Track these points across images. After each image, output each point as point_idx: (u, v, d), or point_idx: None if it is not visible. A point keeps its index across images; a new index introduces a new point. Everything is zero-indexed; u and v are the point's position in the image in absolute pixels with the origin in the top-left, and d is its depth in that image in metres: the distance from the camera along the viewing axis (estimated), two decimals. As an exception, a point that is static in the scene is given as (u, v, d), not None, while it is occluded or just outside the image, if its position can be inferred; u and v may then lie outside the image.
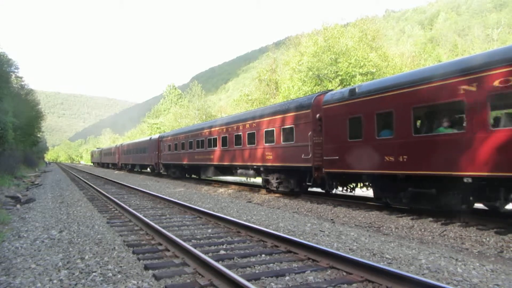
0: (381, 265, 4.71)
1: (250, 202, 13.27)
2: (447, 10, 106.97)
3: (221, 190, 17.69)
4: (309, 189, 14.37)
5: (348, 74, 27.75)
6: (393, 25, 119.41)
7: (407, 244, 6.66)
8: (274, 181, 14.42)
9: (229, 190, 17.27)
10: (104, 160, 61.15)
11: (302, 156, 12.34)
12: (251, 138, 15.70)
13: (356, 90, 10.39)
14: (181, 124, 49.43)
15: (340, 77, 27.89)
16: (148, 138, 35.48)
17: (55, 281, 4.55)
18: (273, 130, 14.17)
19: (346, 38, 30.05)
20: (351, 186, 11.92)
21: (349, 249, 6.14)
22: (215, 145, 19.21)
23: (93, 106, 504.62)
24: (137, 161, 37.79)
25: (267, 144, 14.50)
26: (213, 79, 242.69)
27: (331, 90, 13.50)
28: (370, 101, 9.85)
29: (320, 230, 7.69)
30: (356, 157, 10.28)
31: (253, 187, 17.72)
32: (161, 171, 29.70)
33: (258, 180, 20.75)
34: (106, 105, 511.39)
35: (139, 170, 39.60)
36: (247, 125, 16.08)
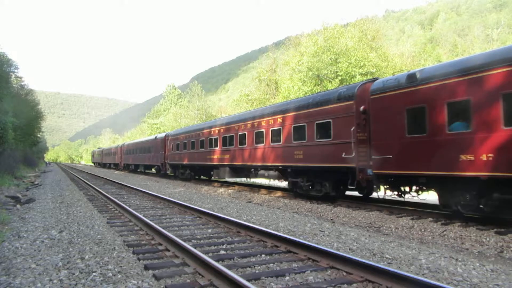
0: (381, 265, 4.71)
1: (250, 202, 13.27)
2: (447, 10, 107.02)
3: (221, 190, 17.69)
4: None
5: (348, 74, 27.74)
6: (393, 25, 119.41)
7: (407, 244, 6.66)
8: (304, 184, 12.80)
9: (229, 190, 17.27)
10: (105, 160, 59.82)
11: (343, 155, 10.68)
12: (276, 135, 14.03)
13: (417, 75, 8.85)
14: (181, 124, 49.32)
15: (340, 77, 27.89)
16: (153, 137, 33.68)
17: (55, 281, 4.55)
18: (303, 126, 12.47)
19: (346, 38, 30.04)
20: (403, 190, 9.91)
21: (349, 249, 6.14)
22: (231, 144, 17.49)
23: (93, 106, 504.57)
24: (141, 161, 36.21)
25: (296, 142, 12.81)
26: (213, 79, 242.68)
27: (377, 78, 11.54)
28: (438, 88, 8.27)
29: (320, 230, 7.69)
30: (417, 155, 8.71)
31: (253, 187, 17.73)
32: (168, 172, 28.34)
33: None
34: (106, 105, 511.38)
35: (143, 170, 38.27)
36: (271, 121, 14.35)
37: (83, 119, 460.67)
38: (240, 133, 16.65)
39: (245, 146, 16.17)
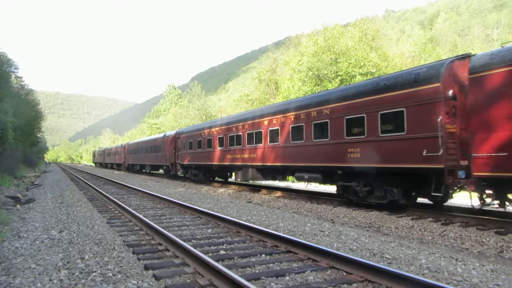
0: (381, 265, 4.71)
1: (250, 202, 13.27)
2: (447, 10, 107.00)
3: (221, 190, 17.69)
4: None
5: (348, 74, 27.75)
6: (393, 25, 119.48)
7: (407, 244, 6.66)
8: (360, 189, 10.63)
9: (229, 190, 17.28)
10: (107, 160, 57.72)
11: (424, 153, 8.58)
12: (320, 130, 11.86)
13: None
14: (181, 125, 49.28)
15: (340, 77, 27.90)
16: (161, 135, 31.25)
17: (55, 281, 4.55)
18: (362, 118, 10.22)
19: (346, 38, 30.05)
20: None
21: (349, 249, 6.14)
22: (258, 141, 15.24)
23: (93, 106, 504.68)
24: (147, 161, 33.98)
25: (350, 138, 10.62)
26: (213, 79, 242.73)
27: (469, 54, 8.91)
28: None
29: (320, 230, 7.69)
30: None
31: (253, 187, 17.72)
32: (179, 173, 26.30)
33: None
34: (106, 105, 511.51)
35: (149, 171, 36.34)
36: (313, 114, 12.13)
37: (83, 119, 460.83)
38: (271, 128, 14.46)
39: (278, 143, 14.00)
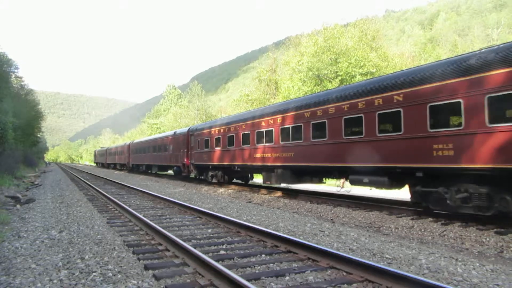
0: (381, 265, 4.71)
1: (250, 202, 13.27)
2: (447, 10, 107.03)
3: (221, 190, 17.68)
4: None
5: (348, 74, 27.76)
6: (393, 25, 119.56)
7: (407, 244, 6.66)
8: (451, 196, 8.28)
9: (229, 190, 17.27)
10: (110, 160, 54.86)
11: None
12: (390, 121, 9.54)
13: None
14: (181, 125, 49.26)
15: (340, 77, 27.91)
16: (171, 132, 28.64)
17: (55, 281, 4.55)
18: (457, 104, 7.77)
19: (346, 38, 30.06)
20: None
21: (349, 249, 6.14)
22: (297, 138, 12.78)
23: (93, 106, 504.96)
24: (154, 161, 31.42)
25: (437, 131, 8.20)
26: (213, 79, 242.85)
27: None
28: None
29: (320, 230, 7.69)
30: None
31: (253, 187, 17.71)
32: (192, 175, 23.70)
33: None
34: (106, 105, 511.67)
35: (154, 172, 34.31)
36: (379, 101, 9.54)
37: (83, 119, 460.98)
38: (315, 122, 11.95)
39: (324, 140, 11.54)
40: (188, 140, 23.33)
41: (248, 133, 16.00)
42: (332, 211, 10.60)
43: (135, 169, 40.08)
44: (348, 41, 29.70)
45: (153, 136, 36.25)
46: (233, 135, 17.36)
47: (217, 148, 19.00)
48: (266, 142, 14.63)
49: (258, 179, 22.38)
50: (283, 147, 13.58)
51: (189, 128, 24.20)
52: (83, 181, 24.00)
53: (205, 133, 20.78)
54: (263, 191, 15.98)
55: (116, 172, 44.62)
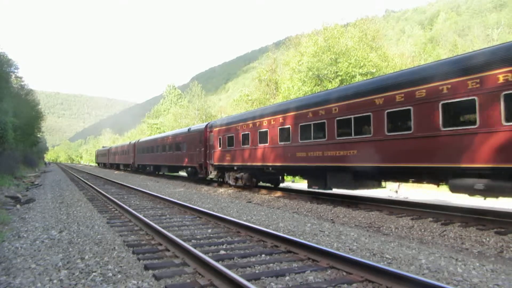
0: (381, 265, 4.71)
1: (250, 202, 13.27)
2: (447, 10, 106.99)
3: (221, 190, 17.68)
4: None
5: (348, 74, 27.75)
6: (393, 25, 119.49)
7: (407, 244, 6.66)
8: None
9: (229, 190, 17.27)
10: (113, 160, 52.30)
11: None
12: None
13: None
14: (181, 125, 49.17)
15: (340, 77, 27.90)
16: (184, 129, 25.88)
17: (55, 281, 4.55)
18: None
19: (346, 38, 30.05)
20: None
21: (349, 249, 6.14)
22: (363, 131, 10.29)
23: (93, 106, 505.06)
24: (164, 161, 28.75)
25: None
26: (213, 79, 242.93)
27: None
28: None
29: (320, 230, 7.69)
30: None
31: (253, 187, 17.70)
32: (210, 176, 20.65)
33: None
34: (106, 105, 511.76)
35: (162, 173, 32.27)
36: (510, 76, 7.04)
37: (83, 119, 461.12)
38: (391, 110, 9.29)
39: (408, 133, 8.93)
40: (206, 138, 20.66)
41: (289, 128, 13.31)
42: (332, 211, 10.60)
43: (141, 170, 37.63)
44: (348, 41, 29.69)
45: (162, 134, 33.04)
46: (266, 131, 14.70)
47: (245, 146, 16.36)
48: (316, 138, 11.95)
49: (290, 182, 20.98)
50: (342, 144, 10.85)
51: (207, 124, 21.11)
52: (83, 181, 24.00)
53: (228, 129, 18.01)
54: (263, 191, 15.99)
55: (116, 172, 44.60)
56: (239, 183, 17.27)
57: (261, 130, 15.13)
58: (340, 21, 38.20)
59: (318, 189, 12.80)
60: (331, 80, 28.12)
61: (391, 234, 7.93)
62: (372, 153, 9.88)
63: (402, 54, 40.16)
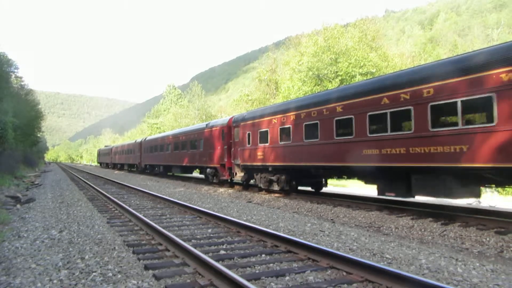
0: (381, 265, 4.71)
1: (250, 202, 13.27)
2: (447, 10, 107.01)
3: (221, 190, 17.68)
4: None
5: (348, 74, 27.76)
6: (393, 25, 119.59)
7: (407, 244, 6.66)
8: None
9: (229, 190, 17.27)
10: (116, 160, 49.58)
11: None
12: None
13: None
14: (181, 125, 49.11)
15: (340, 77, 27.91)
16: (202, 125, 22.80)
17: (55, 281, 4.55)
18: None
19: (346, 38, 30.07)
20: None
21: (349, 249, 6.14)
22: (474, 119, 8.78)
23: (93, 106, 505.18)
24: (177, 161, 25.88)
25: None
26: (213, 79, 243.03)
27: None
28: None
29: (320, 230, 7.69)
30: None
31: (253, 187, 17.70)
32: (235, 178, 17.87)
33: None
34: (106, 105, 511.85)
35: (172, 174, 30.08)
36: None
37: (83, 119, 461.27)
38: None
39: None
40: (230, 134, 17.99)
41: (351, 119, 10.57)
42: (332, 211, 10.60)
43: (149, 170, 34.61)
44: (348, 41, 29.70)
45: (175, 131, 30.01)
46: (316, 124, 11.94)
47: (284, 143, 13.67)
48: (393, 130, 9.38)
49: (333, 186, 17.53)
50: (442, 137, 8.20)
51: (233, 118, 18.34)
52: (83, 180, 24.00)
53: (261, 123, 15.21)
54: (263, 191, 15.97)
55: (116, 172, 44.59)
56: (274, 187, 14.71)
57: (308, 123, 12.41)
58: (340, 21, 38.22)
59: (395, 196, 9.92)
60: (331, 80, 28.12)
61: (391, 234, 7.93)
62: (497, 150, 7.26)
63: (402, 54, 40.17)
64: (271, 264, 5.22)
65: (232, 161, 17.74)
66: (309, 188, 15.26)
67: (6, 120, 22.82)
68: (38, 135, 57.01)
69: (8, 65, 31.75)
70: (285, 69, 36.04)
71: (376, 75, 25.81)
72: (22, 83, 47.09)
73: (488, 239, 7.03)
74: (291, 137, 13.27)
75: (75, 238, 6.95)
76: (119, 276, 4.71)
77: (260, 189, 16.04)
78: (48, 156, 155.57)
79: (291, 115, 13.35)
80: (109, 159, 54.98)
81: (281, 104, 15.67)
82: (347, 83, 26.05)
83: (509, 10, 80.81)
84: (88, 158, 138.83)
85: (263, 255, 5.68)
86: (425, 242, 7.14)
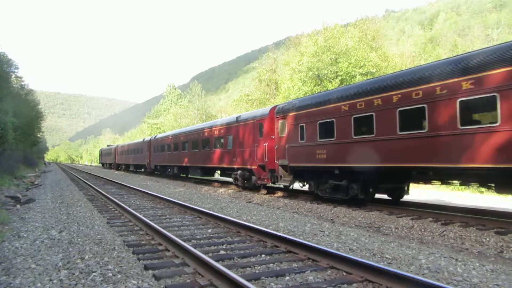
0: (381, 265, 4.71)
1: (250, 202, 13.27)
2: (447, 10, 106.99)
3: (221, 190, 17.67)
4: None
5: (348, 74, 27.74)
6: (393, 25, 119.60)
7: (407, 244, 6.66)
8: None
9: (229, 190, 17.26)
10: (121, 160, 46.42)
11: None
12: None
13: None
14: (181, 125, 49.06)
15: (340, 77, 27.89)
16: (232, 118, 18.99)
17: (55, 281, 4.54)
18: None
19: (346, 38, 30.05)
20: None
21: (349, 249, 6.14)
22: None
23: (93, 106, 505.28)
24: (197, 161, 22.18)
25: None
26: (213, 79, 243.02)
27: None
28: None
29: (320, 230, 7.69)
30: None
31: (253, 187, 17.68)
32: (281, 183, 14.13)
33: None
34: (106, 105, 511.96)
35: (185, 175, 26.72)
36: None
37: (83, 119, 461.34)
38: None
39: None
40: (271, 128, 14.71)
41: (493, 98, 7.29)
42: (332, 211, 10.60)
43: (161, 172, 31.08)
44: (348, 41, 29.68)
45: (194, 127, 26.14)
46: (423, 108, 8.63)
47: (361, 137, 10.31)
48: None
49: (414, 196, 12.66)
50: None
51: (276, 108, 14.71)
52: (83, 181, 24.00)
53: (322, 112, 11.76)
54: (263, 191, 15.97)
55: (116, 172, 44.57)
56: (340, 195, 11.46)
57: (405, 109, 9.07)
58: (340, 21, 38.22)
59: None
60: (331, 80, 28.11)
61: (391, 234, 7.93)
62: None
63: (402, 54, 40.14)
64: (271, 264, 5.21)
65: (276, 162, 14.19)
66: (384, 196, 11.77)
67: (6, 120, 22.82)
68: (38, 135, 57.05)
69: (8, 65, 31.77)
70: (285, 69, 36.02)
71: (376, 75, 25.83)
72: (22, 83, 47.17)
73: (488, 239, 7.03)
74: (374, 129, 9.83)
75: (75, 238, 6.95)
76: (119, 276, 4.70)
77: (269, 191, 15.22)
78: (48, 157, 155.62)
79: (375, 99, 9.86)
80: (113, 160, 52.15)
81: (355, 85, 11.66)
82: (346, 83, 26.07)
83: (509, 10, 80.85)
84: (88, 159, 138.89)
85: (263, 255, 5.68)
86: (425, 242, 7.14)
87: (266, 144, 14.92)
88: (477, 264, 5.33)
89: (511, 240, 6.83)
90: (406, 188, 11.20)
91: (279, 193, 14.91)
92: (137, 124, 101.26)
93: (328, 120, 11.52)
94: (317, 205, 11.74)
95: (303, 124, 12.69)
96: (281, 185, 14.48)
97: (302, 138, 12.74)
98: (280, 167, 14.03)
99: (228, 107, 58.38)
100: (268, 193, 15.37)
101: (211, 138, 20.50)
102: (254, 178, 16.20)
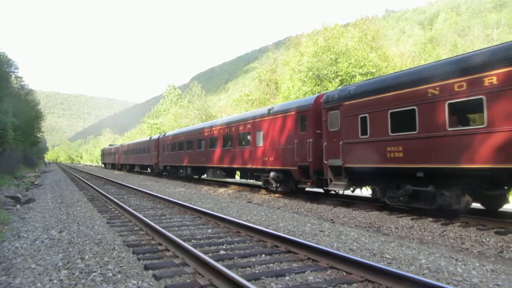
0: (381, 265, 4.71)
1: (250, 202, 13.27)
2: (447, 10, 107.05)
3: (221, 190, 17.67)
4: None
5: (348, 74, 27.75)
6: (393, 25, 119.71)
7: (407, 244, 6.66)
8: None
9: (229, 190, 17.26)
10: (124, 160, 43.71)
11: None
12: None
13: None
14: (181, 125, 49.03)
15: (340, 77, 27.90)
16: (261, 111, 16.36)
17: (55, 281, 4.54)
18: None
19: (346, 38, 30.06)
20: None
21: (349, 249, 6.14)
22: None
23: (93, 106, 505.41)
24: (217, 161, 19.36)
25: None
26: (213, 79, 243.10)
27: None
28: None
29: (320, 230, 7.69)
30: None
31: (253, 187, 17.70)
32: (333, 187, 11.61)
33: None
34: (106, 105, 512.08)
35: (200, 177, 24.18)
36: None
37: (83, 119, 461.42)
38: None
39: None
40: (317, 121, 12.32)
41: None
42: (332, 211, 10.60)
43: (171, 173, 28.22)
44: (348, 41, 29.69)
45: (211, 122, 22.83)
46: None
47: (461, 129, 8.02)
48: None
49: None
50: None
51: (324, 96, 12.14)
52: (83, 181, 24.00)
53: (394, 97, 9.35)
54: (263, 191, 15.96)
55: (116, 172, 44.56)
56: (421, 204, 9.10)
57: None
58: (340, 21, 38.28)
59: None
60: (331, 80, 28.12)
61: (391, 234, 7.93)
62: None
63: (402, 54, 40.17)
64: (271, 264, 5.21)
65: (325, 162, 11.66)
66: (477, 205, 9.39)
67: (6, 120, 22.81)
68: (38, 135, 57.02)
69: (8, 65, 31.73)
70: (285, 69, 36.03)
71: (376, 75, 25.82)
72: (22, 83, 47.12)
73: (488, 239, 7.03)
74: (485, 117, 7.34)
75: (75, 238, 6.95)
76: (119, 276, 4.70)
77: (275, 191, 13.78)
78: (48, 157, 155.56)
79: (487, 77, 7.30)
80: (115, 159, 49.14)
81: (450, 61, 8.61)
82: (347, 84, 26.05)
83: (509, 10, 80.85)
84: (88, 159, 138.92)
85: (263, 255, 5.68)
86: (425, 242, 7.14)
87: (311, 140, 12.43)
88: (477, 264, 5.33)
89: (511, 240, 6.83)
90: (507, 195, 9.01)
91: (279, 193, 14.90)
92: (137, 124, 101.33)
93: (405, 108, 9.03)
94: (317, 205, 11.74)
95: (366, 115, 10.20)
96: (332, 190, 12.22)
97: (364, 133, 10.28)
98: (330, 169, 11.51)
99: (228, 107, 58.37)
100: (268, 193, 15.37)
101: (234, 135, 17.80)
102: (292, 180, 13.64)
